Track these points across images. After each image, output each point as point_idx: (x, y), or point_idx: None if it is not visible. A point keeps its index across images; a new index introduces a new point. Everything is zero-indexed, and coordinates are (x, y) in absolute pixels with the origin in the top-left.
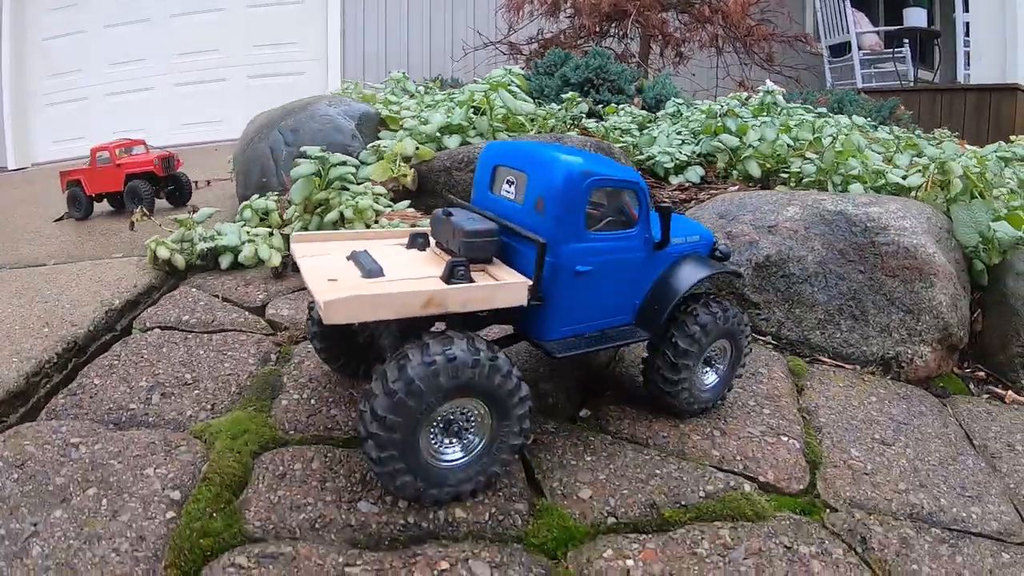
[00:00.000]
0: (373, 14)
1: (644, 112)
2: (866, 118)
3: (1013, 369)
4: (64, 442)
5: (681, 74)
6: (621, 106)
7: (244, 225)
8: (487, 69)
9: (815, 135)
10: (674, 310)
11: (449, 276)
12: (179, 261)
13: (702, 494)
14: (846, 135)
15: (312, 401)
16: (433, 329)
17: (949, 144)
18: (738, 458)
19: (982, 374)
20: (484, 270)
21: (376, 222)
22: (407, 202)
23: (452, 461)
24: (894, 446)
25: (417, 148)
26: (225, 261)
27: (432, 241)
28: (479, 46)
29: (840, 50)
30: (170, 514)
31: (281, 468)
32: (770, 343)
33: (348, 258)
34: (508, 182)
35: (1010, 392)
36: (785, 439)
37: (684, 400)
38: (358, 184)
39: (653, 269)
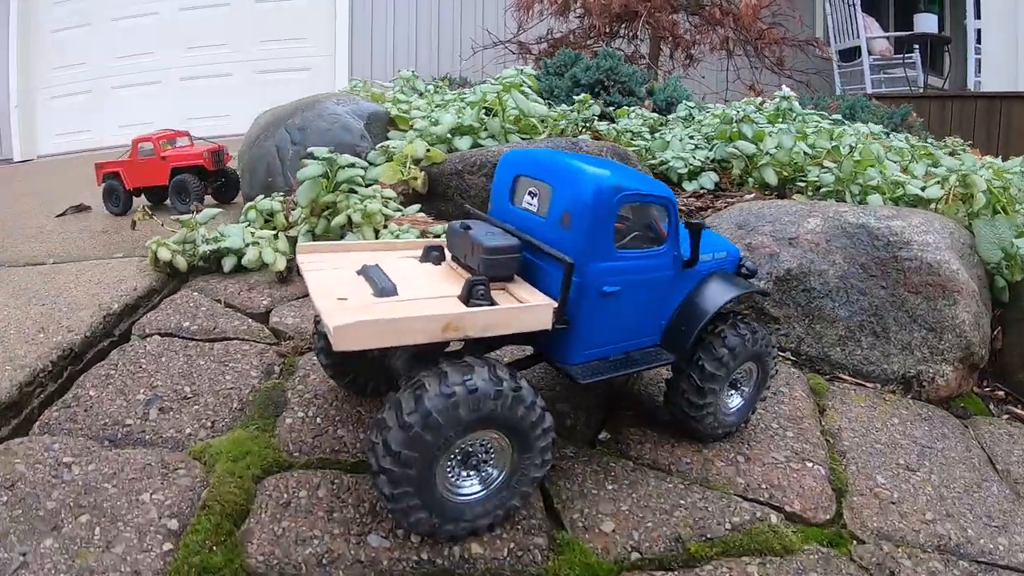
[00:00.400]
0: (382, 11)
1: (655, 115)
2: (878, 125)
3: None
4: (56, 461)
5: (691, 76)
6: (632, 108)
7: (249, 227)
8: (496, 69)
9: (833, 143)
10: (701, 331)
11: (468, 296)
12: (181, 263)
13: (728, 526)
14: (864, 145)
15: (318, 420)
16: (449, 349)
17: (968, 155)
18: (763, 486)
19: (1002, 393)
20: (504, 289)
21: (385, 227)
22: (417, 206)
23: (470, 495)
24: (919, 472)
25: (428, 150)
26: (228, 264)
27: (448, 255)
28: (488, 45)
29: (850, 55)
30: (167, 546)
31: (285, 496)
32: (789, 359)
33: (358, 273)
34: (531, 193)
35: None
36: (810, 465)
37: (709, 424)
38: (367, 187)
39: (681, 288)
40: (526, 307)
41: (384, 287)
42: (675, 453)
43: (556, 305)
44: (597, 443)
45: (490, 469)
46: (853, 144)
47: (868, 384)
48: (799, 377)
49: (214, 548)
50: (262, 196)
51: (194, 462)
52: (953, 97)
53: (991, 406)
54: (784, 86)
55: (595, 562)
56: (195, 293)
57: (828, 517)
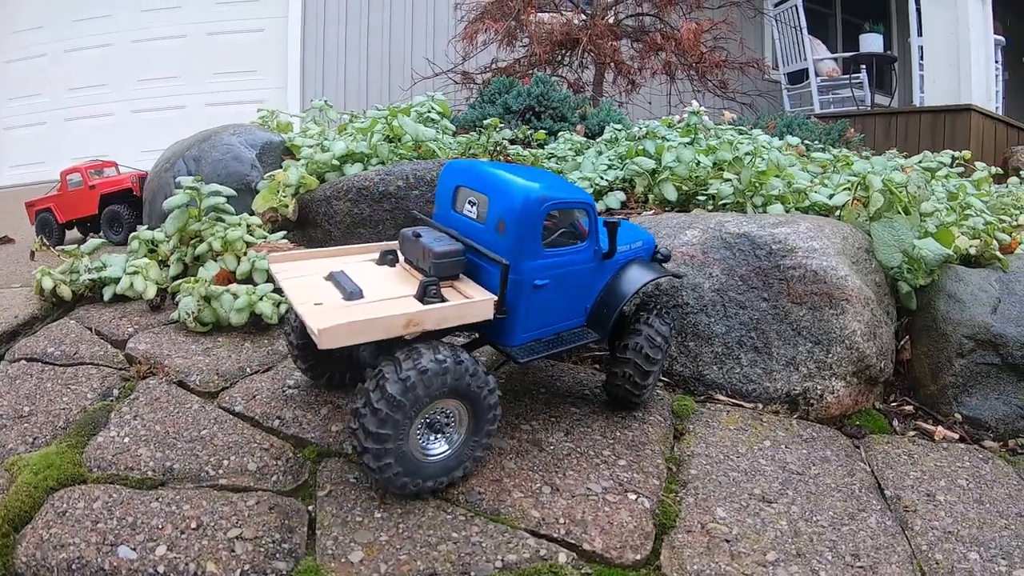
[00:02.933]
0: (333, 43)
1: (583, 139)
2: (815, 141)
3: (946, 401)
4: None
5: (637, 102)
6: (562, 134)
7: (131, 256)
8: (446, 99)
9: (734, 155)
10: (620, 313)
11: (423, 295)
12: (65, 292)
13: (499, 564)
14: (762, 154)
15: (126, 440)
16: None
17: (878, 159)
18: (561, 521)
19: (910, 408)
20: (452, 286)
21: (245, 254)
22: (281, 233)
23: (440, 454)
24: (776, 503)
25: (302, 177)
26: (108, 293)
27: (401, 257)
28: (429, 75)
29: (798, 77)
30: None
31: (65, 506)
32: (661, 380)
33: (326, 279)
34: (470, 203)
35: (940, 428)
36: (632, 497)
37: (646, 398)
38: (236, 215)
39: (602, 276)
40: (471, 302)
41: (352, 291)
42: (468, 482)
43: (496, 299)
44: None
45: (451, 431)
46: (750, 152)
47: (747, 404)
48: (663, 400)
49: None
50: (145, 226)
51: (5, 473)
52: (898, 113)
53: (895, 423)
54: (693, 101)
55: None
56: (72, 322)
57: (639, 557)
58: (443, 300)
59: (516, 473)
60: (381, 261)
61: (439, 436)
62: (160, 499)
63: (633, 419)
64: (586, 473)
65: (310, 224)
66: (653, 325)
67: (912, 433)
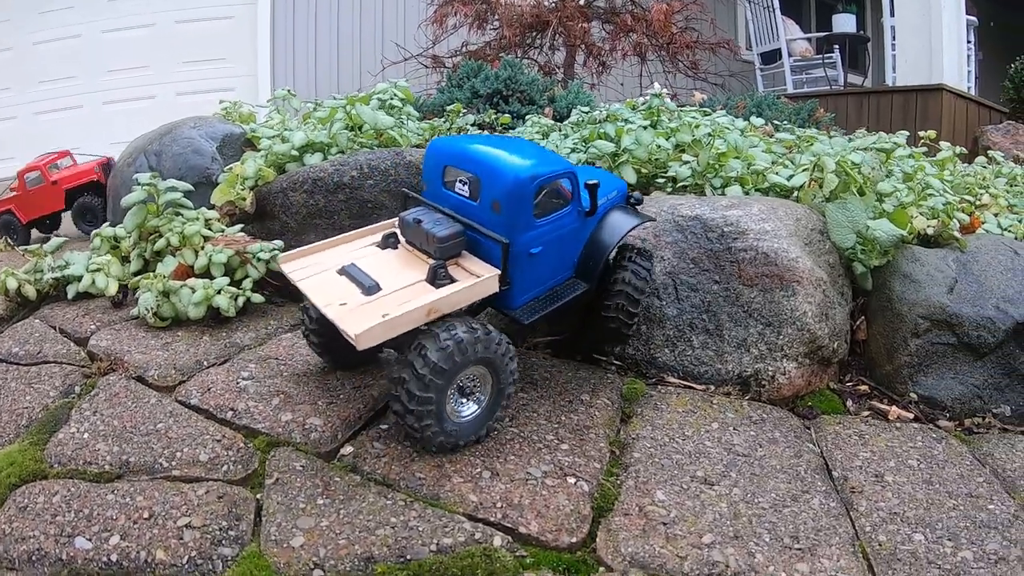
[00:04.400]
0: (303, 29)
1: (551, 122)
2: (785, 121)
3: (901, 380)
4: None
5: (609, 84)
6: (530, 117)
7: (93, 254)
8: (416, 83)
9: (693, 137)
10: (606, 263)
11: (434, 279)
12: (30, 292)
13: (434, 548)
14: (723, 137)
15: (85, 435)
16: None
17: (838, 140)
18: (499, 505)
19: (866, 388)
20: (456, 263)
21: (202, 248)
22: (239, 226)
23: (469, 415)
24: (718, 485)
25: (260, 170)
26: (72, 291)
27: (402, 238)
28: (399, 60)
29: (772, 57)
30: None
31: (26, 501)
32: (613, 364)
33: (339, 273)
34: (461, 182)
35: (894, 408)
36: (572, 481)
37: (634, 331)
38: (197, 208)
39: (585, 230)
40: (480, 281)
41: (369, 285)
42: (410, 468)
43: (499, 273)
44: (336, 457)
45: (479, 394)
46: (709, 134)
47: (698, 386)
48: (613, 383)
49: None
50: (108, 223)
51: None
52: (870, 93)
53: (849, 403)
54: (655, 84)
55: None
56: (37, 321)
57: (574, 540)
58: (452, 280)
59: (458, 459)
60: (384, 245)
61: (469, 399)
62: (115, 491)
63: (580, 403)
64: (527, 458)
65: (268, 216)
66: (636, 261)
67: (866, 413)
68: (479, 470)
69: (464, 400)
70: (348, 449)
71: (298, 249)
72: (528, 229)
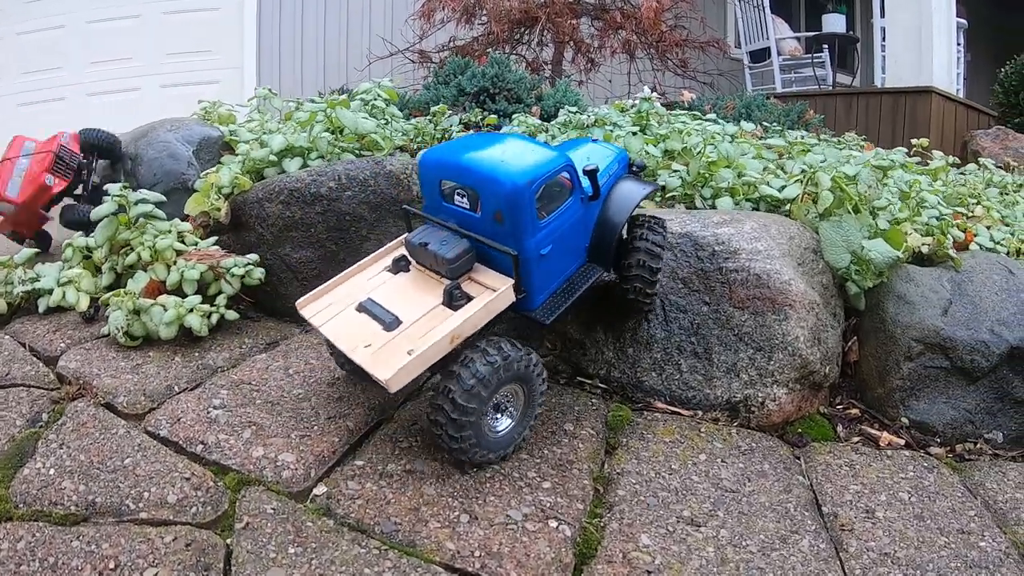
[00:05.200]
0: (289, 23)
1: (538, 122)
2: (774, 123)
3: (893, 404)
4: None
5: (597, 82)
6: (517, 116)
7: (65, 266)
8: (404, 79)
9: (684, 144)
10: (619, 239)
11: (450, 301)
12: (0, 305)
13: None
14: (713, 144)
15: (51, 471)
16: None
17: (832, 151)
18: (477, 554)
19: (856, 411)
20: (469, 278)
21: (175, 263)
22: (212, 239)
23: (502, 430)
24: (705, 527)
25: (235, 178)
26: (43, 305)
27: (412, 260)
28: (385, 55)
29: (761, 56)
30: None
31: None
32: (598, 388)
33: (359, 311)
34: (459, 195)
35: (885, 433)
36: (554, 524)
37: (657, 291)
38: (171, 219)
39: (592, 213)
40: (496, 296)
41: (388, 321)
42: (385, 511)
43: (513, 282)
44: (308, 498)
45: (512, 410)
46: (700, 142)
47: (685, 412)
48: (596, 410)
49: None
50: (80, 233)
51: None
52: (859, 94)
53: (839, 428)
54: (645, 87)
55: None
56: (7, 337)
57: None
58: (468, 297)
59: (435, 500)
60: (395, 269)
61: (503, 414)
62: (81, 537)
63: (563, 434)
64: (507, 499)
65: (243, 227)
66: (647, 239)
67: (856, 439)
68: (457, 513)
69: (499, 416)
70: (321, 489)
71: (314, 291)
72: (535, 233)
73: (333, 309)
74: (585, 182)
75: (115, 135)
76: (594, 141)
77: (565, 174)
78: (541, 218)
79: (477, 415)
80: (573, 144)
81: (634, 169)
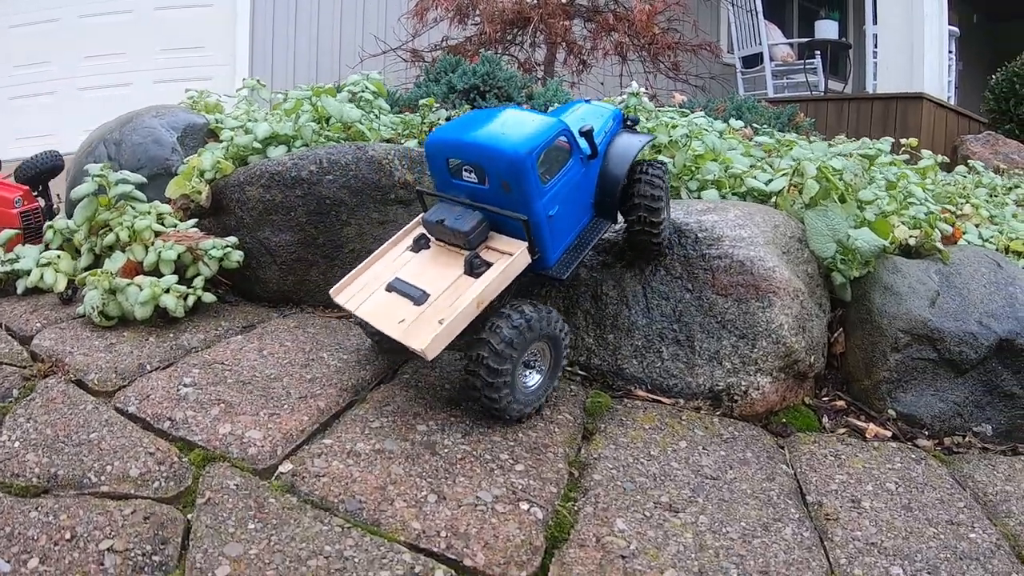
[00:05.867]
0: (283, 19)
1: None
2: (764, 125)
3: (879, 396)
4: None
5: (589, 83)
6: None
7: (46, 247)
8: (396, 77)
9: (670, 137)
10: (622, 191)
11: (471, 270)
12: None
13: None
14: (700, 138)
15: (16, 444)
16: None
17: (819, 145)
18: (443, 534)
19: (842, 403)
20: (486, 246)
21: (152, 244)
22: (192, 222)
23: (532, 385)
24: (684, 512)
25: (218, 162)
26: (21, 286)
27: (431, 237)
28: (377, 52)
29: (753, 61)
30: None
31: None
32: (577, 375)
33: (388, 290)
34: (466, 170)
35: (872, 425)
36: (525, 507)
37: (664, 236)
38: (153, 201)
39: (593, 170)
40: (513, 260)
41: (416, 296)
42: (351, 489)
43: (527, 244)
44: (274, 475)
45: (541, 366)
46: (686, 135)
47: (667, 400)
48: (574, 396)
49: None
50: (60, 216)
51: None
52: (850, 99)
53: (825, 419)
54: (633, 83)
55: None
56: None
57: (524, 574)
58: (487, 264)
59: (403, 480)
60: (417, 248)
61: (532, 371)
62: (39, 508)
63: (540, 418)
64: (478, 480)
65: (224, 211)
66: (647, 172)
67: (842, 430)
68: (425, 493)
69: (528, 372)
70: (287, 466)
71: (344, 279)
72: (541, 196)
73: (364, 293)
74: (583, 143)
75: (52, 152)
76: (587, 102)
77: (563, 138)
78: (545, 182)
79: (510, 375)
80: (567, 107)
81: (628, 123)
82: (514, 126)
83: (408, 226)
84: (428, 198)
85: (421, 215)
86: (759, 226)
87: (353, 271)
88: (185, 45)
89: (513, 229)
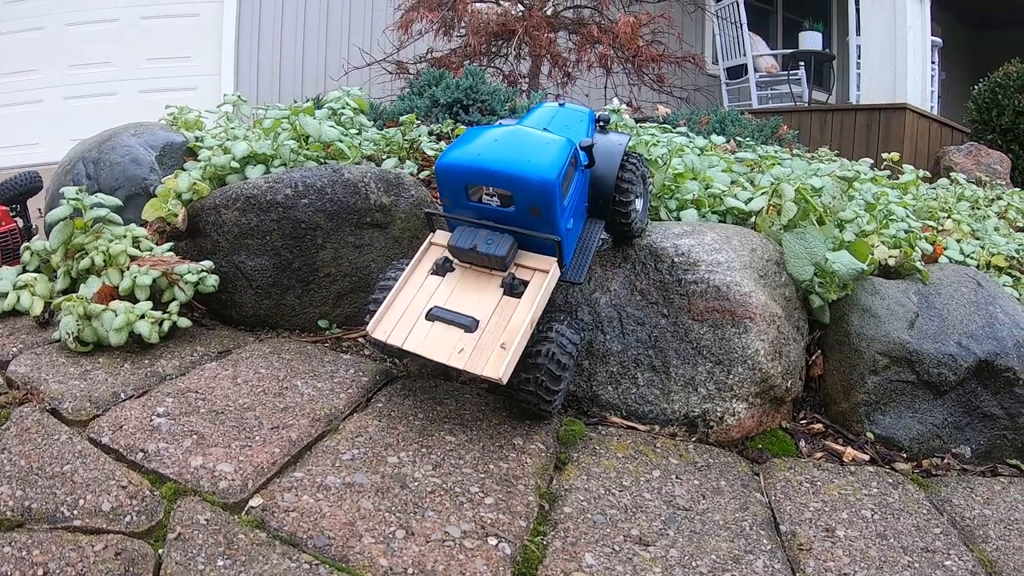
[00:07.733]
0: (269, 30)
1: None
2: (748, 138)
3: (858, 419)
4: None
5: (574, 95)
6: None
7: (22, 269)
8: (382, 89)
9: (649, 156)
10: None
11: (511, 291)
12: None
13: None
14: (680, 156)
15: None
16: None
17: (799, 163)
18: (410, 571)
19: (820, 426)
20: (515, 265)
21: (127, 269)
22: (168, 245)
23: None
24: (654, 546)
25: (194, 184)
26: None
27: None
28: (362, 65)
29: (737, 72)
30: None
31: None
32: None
33: (429, 319)
34: (488, 195)
35: (849, 448)
36: (493, 542)
37: (637, 227)
38: (126, 225)
39: (587, 176)
40: (550, 277)
41: (467, 324)
42: (319, 525)
43: (556, 259)
44: (244, 510)
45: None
46: (666, 153)
47: (642, 427)
48: (547, 424)
49: None
50: (37, 237)
51: None
52: (833, 110)
53: (802, 443)
54: (615, 99)
55: None
56: None
57: None
58: (524, 283)
59: (372, 515)
60: (442, 272)
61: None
62: (12, 543)
63: (511, 448)
64: (447, 514)
65: (200, 234)
66: (628, 162)
67: (819, 455)
68: (393, 529)
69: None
70: (257, 501)
71: (375, 315)
72: (563, 214)
73: (404, 325)
74: (583, 155)
75: (31, 173)
76: (561, 105)
77: (573, 156)
78: (564, 199)
79: (570, 372)
80: (549, 116)
81: (600, 124)
82: (534, 151)
83: (421, 249)
84: (437, 220)
85: (430, 236)
86: (736, 250)
87: (383, 304)
88: (171, 54)
89: (537, 244)
